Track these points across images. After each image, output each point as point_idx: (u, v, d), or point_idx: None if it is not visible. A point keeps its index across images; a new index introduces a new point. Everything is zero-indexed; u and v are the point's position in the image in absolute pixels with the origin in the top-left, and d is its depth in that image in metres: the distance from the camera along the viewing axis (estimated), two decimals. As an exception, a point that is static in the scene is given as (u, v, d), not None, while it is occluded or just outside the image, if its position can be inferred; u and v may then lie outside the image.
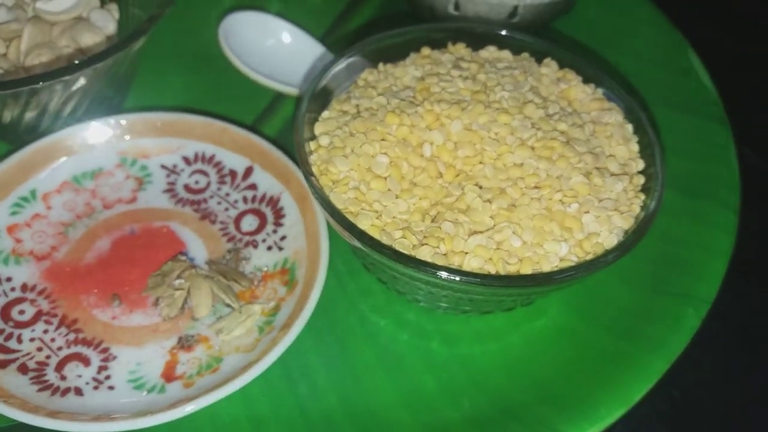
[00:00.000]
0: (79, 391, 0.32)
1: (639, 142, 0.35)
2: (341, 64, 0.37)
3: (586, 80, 0.37)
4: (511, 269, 0.30)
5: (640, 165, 0.34)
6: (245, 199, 0.39)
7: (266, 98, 0.45)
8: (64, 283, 0.36)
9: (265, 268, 0.37)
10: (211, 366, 0.33)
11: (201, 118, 0.41)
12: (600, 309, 0.36)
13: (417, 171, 0.33)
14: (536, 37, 0.39)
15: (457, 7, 0.44)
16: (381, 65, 0.38)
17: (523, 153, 0.33)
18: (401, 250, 0.30)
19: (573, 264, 0.30)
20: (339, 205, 0.31)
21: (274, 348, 0.32)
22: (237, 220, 0.39)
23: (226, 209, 0.39)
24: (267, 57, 0.45)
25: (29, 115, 0.39)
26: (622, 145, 0.34)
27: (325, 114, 0.36)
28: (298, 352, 0.34)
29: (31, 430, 0.31)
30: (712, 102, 0.45)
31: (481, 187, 0.32)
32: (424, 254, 0.30)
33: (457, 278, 0.29)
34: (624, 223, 0.32)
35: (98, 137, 0.40)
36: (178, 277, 0.35)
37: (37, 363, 0.33)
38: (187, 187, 0.40)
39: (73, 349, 0.34)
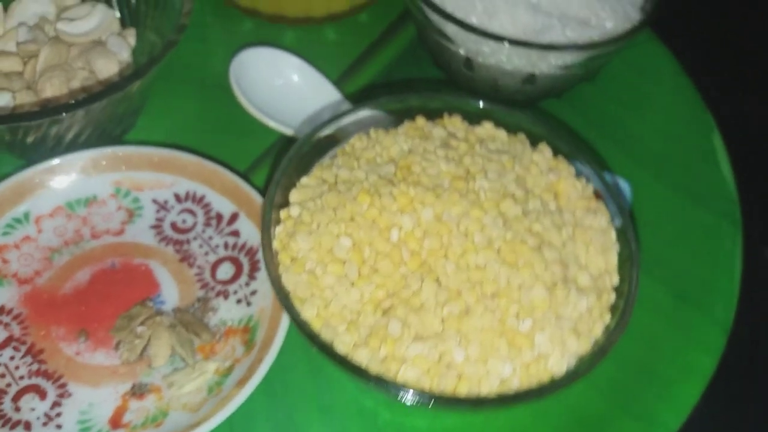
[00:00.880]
0: (28, 426, 0.33)
1: (620, 254, 0.33)
2: (326, 130, 0.37)
3: (579, 172, 0.36)
4: (448, 386, 0.29)
5: (615, 280, 0.32)
6: (226, 245, 0.39)
7: (270, 137, 0.44)
8: (39, 311, 0.37)
9: (230, 323, 0.37)
10: (157, 419, 0.34)
11: (194, 157, 0.41)
12: (562, 414, 0.35)
13: (379, 257, 0.32)
14: (537, 117, 0.37)
15: (470, 67, 0.42)
16: (372, 131, 0.37)
17: (488, 255, 0.31)
18: (336, 351, 0.29)
19: (510, 393, 0.29)
20: (289, 287, 0.31)
21: (218, 412, 0.32)
22: (214, 267, 0.39)
23: (206, 253, 0.39)
24: (277, 95, 0.45)
25: (36, 137, 0.40)
26: (599, 254, 0.33)
27: (304, 180, 0.35)
28: (247, 416, 0.34)
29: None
30: (729, 198, 0.42)
31: (440, 284, 0.31)
32: (362, 356, 0.29)
33: (386, 390, 0.28)
34: (580, 347, 0.30)
35: (96, 166, 0.41)
36: (142, 323, 0.36)
37: (-3, 390, 0.34)
38: (173, 226, 0.40)
39: (34, 380, 0.35)
